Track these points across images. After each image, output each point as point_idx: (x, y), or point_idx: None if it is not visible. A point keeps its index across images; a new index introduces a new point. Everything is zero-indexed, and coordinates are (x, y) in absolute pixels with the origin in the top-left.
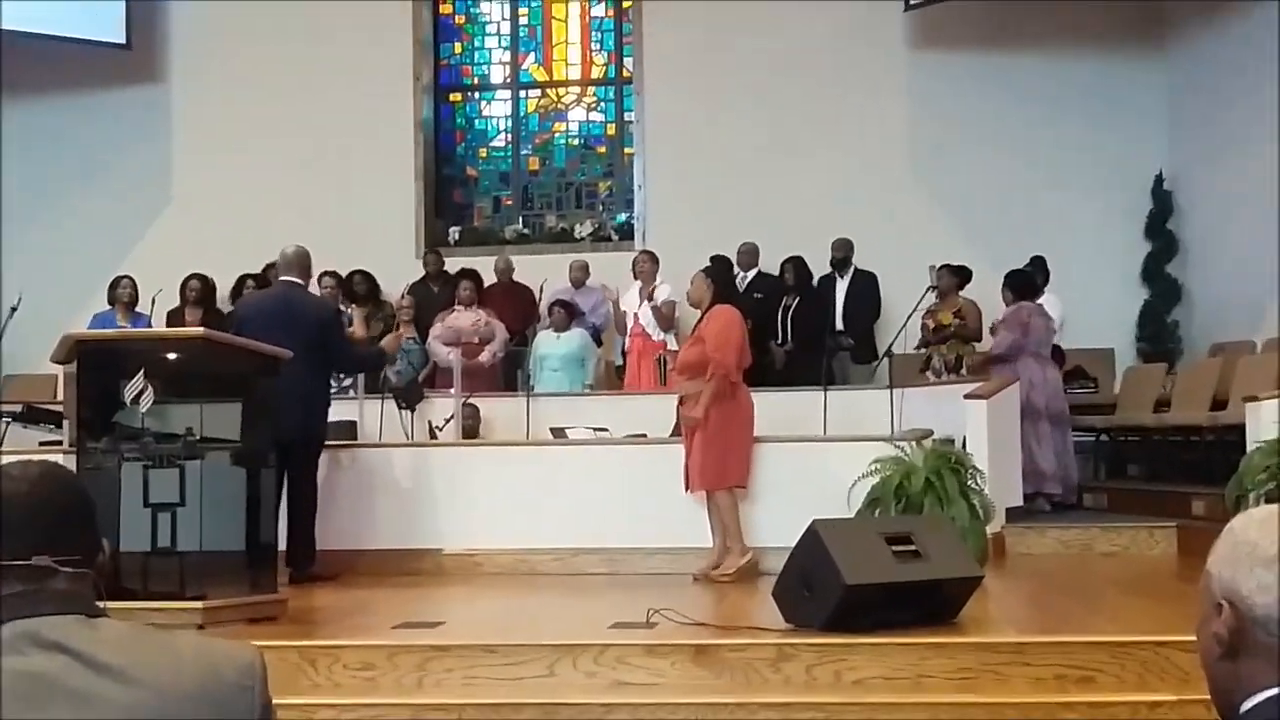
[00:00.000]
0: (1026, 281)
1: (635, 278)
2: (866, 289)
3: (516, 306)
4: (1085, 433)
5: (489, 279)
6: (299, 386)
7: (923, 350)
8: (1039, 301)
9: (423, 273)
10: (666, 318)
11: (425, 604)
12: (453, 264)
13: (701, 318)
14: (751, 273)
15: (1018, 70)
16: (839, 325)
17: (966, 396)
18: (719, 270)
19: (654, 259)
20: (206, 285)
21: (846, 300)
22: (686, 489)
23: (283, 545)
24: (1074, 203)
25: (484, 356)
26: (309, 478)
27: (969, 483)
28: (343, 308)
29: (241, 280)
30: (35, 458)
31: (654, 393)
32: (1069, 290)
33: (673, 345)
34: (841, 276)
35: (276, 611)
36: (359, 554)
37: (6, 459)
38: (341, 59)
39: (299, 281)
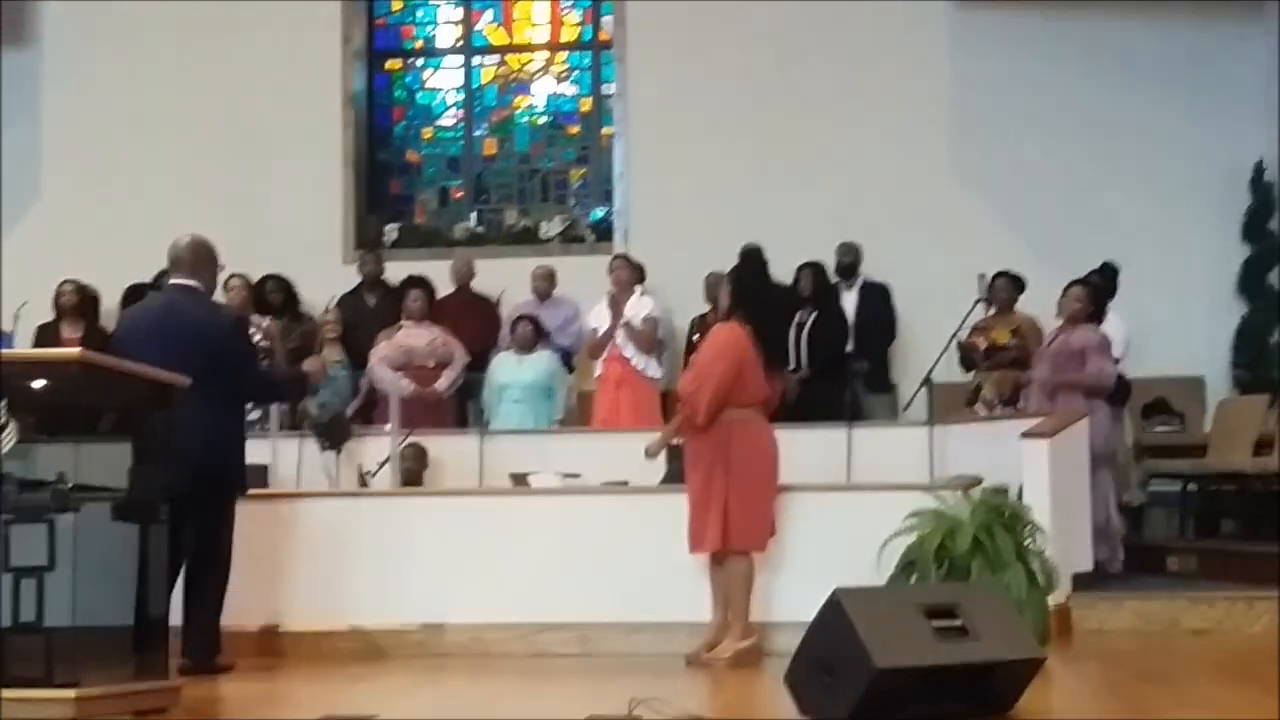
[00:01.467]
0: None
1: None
2: (877, 303)
3: (476, 323)
4: (1169, 479)
5: (440, 288)
6: (196, 420)
7: (970, 377)
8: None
9: (355, 280)
10: (647, 338)
11: (354, 694)
12: (391, 270)
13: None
14: None
15: (1082, 35)
16: (850, 347)
17: (1024, 435)
18: (745, 269)
19: (631, 265)
20: (85, 294)
21: (857, 316)
22: (691, 549)
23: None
24: (1153, 198)
25: (441, 383)
26: (213, 539)
27: (1026, 543)
28: (255, 321)
29: (133, 291)
30: None
31: (637, 430)
32: (1146, 305)
33: (654, 372)
34: (848, 288)
35: (168, 702)
36: (270, 633)
37: None
38: (253, 18)
39: (193, 284)
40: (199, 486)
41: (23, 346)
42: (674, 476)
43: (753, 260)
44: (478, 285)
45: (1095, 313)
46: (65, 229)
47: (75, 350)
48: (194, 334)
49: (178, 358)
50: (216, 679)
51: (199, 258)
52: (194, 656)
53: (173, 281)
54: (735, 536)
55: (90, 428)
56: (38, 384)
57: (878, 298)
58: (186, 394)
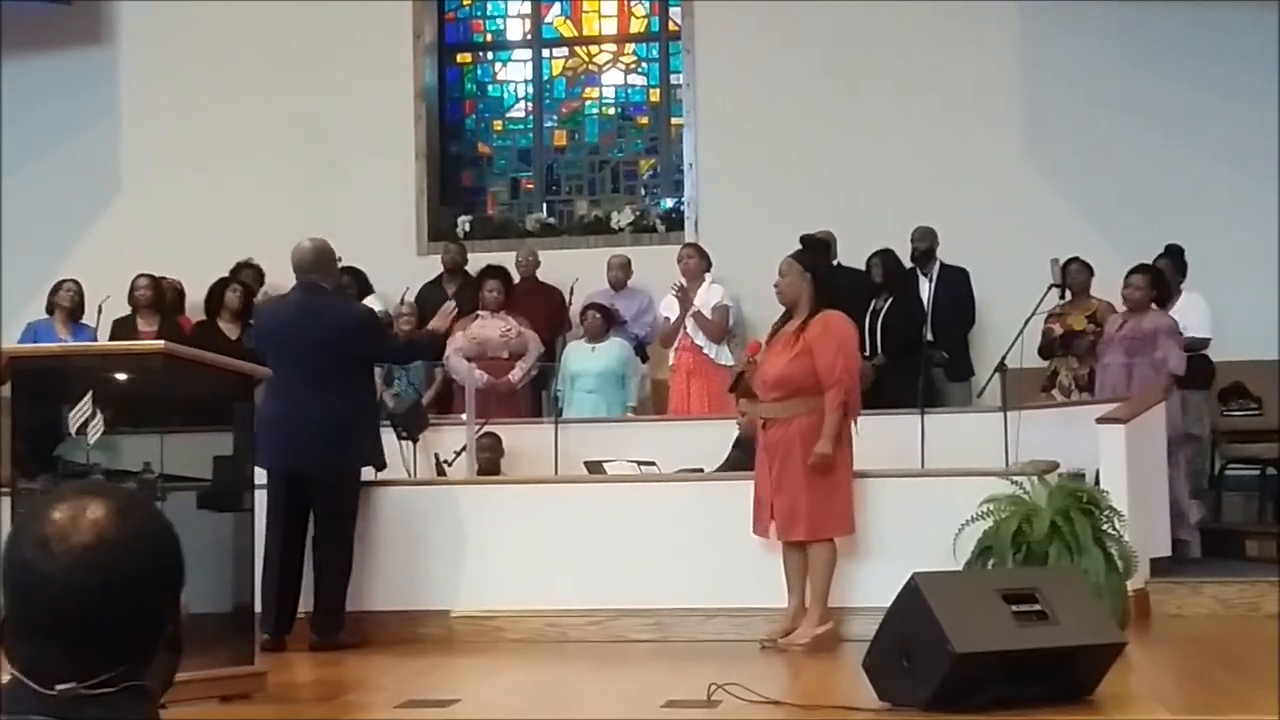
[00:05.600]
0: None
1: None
2: (957, 288)
3: (544, 312)
4: (1247, 465)
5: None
6: (322, 412)
7: (1046, 364)
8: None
9: (432, 272)
10: (717, 327)
11: (434, 678)
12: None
13: (803, 323)
14: None
15: (1153, 19)
16: (927, 334)
17: (1100, 420)
18: (816, 258)
19: (700, 254)
20: (159, 287)
21: (934, 302)
22: (768, 535)
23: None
24: (1228, 182)
25: (514, 374)
26: (336, 522)
27: (1104, 527)
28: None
29: (219, 285)
30: (120, 488)
31: (712, 418)
32: (1223, 289)
33: (725, 360)
34: (925, 274)
35: (254, 687)
36: (352, 616)
37: None
38: (326, 14)
39: (319, 283)
40: (319, 471)
41: (103, 341)
42: (737, 464)
43: (820, 250)
44: (550, 276)
45: (1159, 297)
46: (145, 224)
47: (159, 343)
48: (327, 327)
49: (314, 349)
50: (298, 659)
51: (322, 259)
52: (319, 634)
53: (303, 280)
54: (827, 522)
55: (174, 419)
56: (121, 376)
57: (956, 281)
58: (311, 386)
